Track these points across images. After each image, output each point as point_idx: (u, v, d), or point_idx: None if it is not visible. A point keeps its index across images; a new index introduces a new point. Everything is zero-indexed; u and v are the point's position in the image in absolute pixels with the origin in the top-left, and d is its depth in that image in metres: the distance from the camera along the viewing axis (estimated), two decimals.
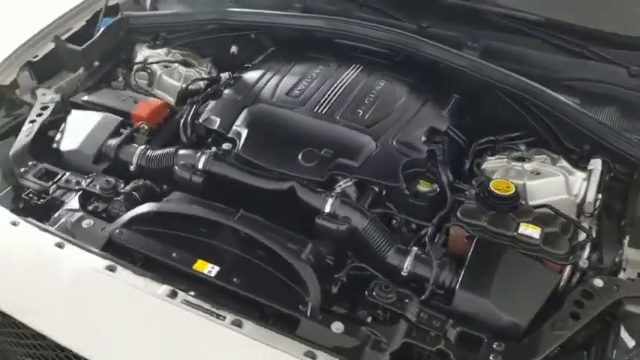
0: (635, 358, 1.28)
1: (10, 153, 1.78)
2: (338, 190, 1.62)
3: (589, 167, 1.69)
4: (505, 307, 1.39)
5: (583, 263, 1.50)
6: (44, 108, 1.93)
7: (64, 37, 2.13)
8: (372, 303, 1.40)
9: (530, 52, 2.00)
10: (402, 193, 1.66)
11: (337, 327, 1.33)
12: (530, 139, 1.83)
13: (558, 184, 1.68)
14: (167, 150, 1.76)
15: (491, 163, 1.78)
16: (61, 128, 1.89)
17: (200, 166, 1.69)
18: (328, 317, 1.36)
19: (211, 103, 1.90)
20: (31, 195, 1.69)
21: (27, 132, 1.84)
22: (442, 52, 1.91)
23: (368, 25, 2.02)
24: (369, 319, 1.38)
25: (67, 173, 1.73)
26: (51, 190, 1.69)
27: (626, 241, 1.51)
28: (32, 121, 1.88)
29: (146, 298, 1.33)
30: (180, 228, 1.56)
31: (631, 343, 1.31)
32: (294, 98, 1.87)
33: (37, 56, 2.06)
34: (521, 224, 1.52)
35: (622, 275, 1.45)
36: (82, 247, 1.46)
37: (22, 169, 1.74)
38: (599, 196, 1.65)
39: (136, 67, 2.11)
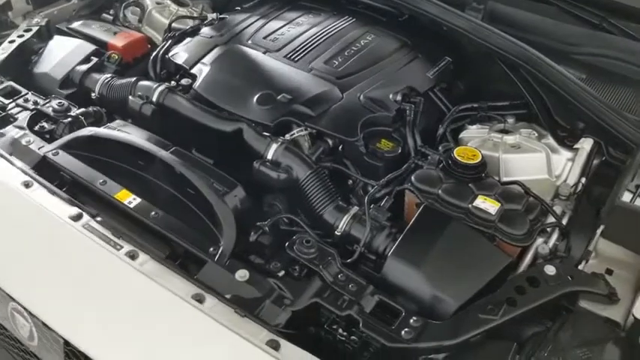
0: None
1: None
2: (288, 137, 1.50)
3: (576, 146, 1.49)
4: (439, 282, 1.24)
5: (542, 249, 1.31)
6: (27, 30, 1.91)
7: None
8: (291, 257, 1.28)
9: (541, 19, 1.79)
10: (358, 150, 1.51)
11: (241, 275, 1.22)
12: (518, 111, 1.62)
13: (538, 162, 1.49)
14: (127, 80, 1.69)
15: (470, 132, 1.60)
16: (40, 52, 1.87)
17: (154, 98, 1.61)
18: (237, 264, 1.25)
19: (186, 40, 1.81)
20: None
21: (2, 50, 1.82)
22: (438, 9, 1.72)
23: None
24: (282, 273, 1.26)
25: (29, 93, 1.70)
26: (8, 107, 1.66)
27: (599, 230, 1.31)
28: (11, 42, 1.86)
29: (49, 217, 1.27)
30: (117, 157, 1.49)
31: (571, 343, 1.12)
32: (272, 42, 1.76)
33: None
34: (479, 197, 1.35)
35: (583, 266, 1.25)
36: (8, 161, 1.41)
37: None
38: (583, 179, 1.45)
39: (127, 1, 2.05)
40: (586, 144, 1.48)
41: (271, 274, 1.26)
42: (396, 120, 1.56)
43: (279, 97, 1.55)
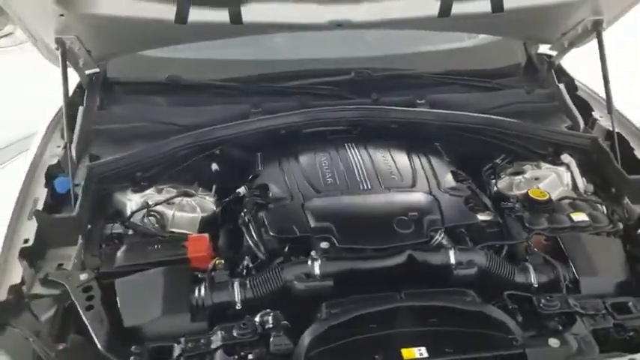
0: None
1: None
2: (439, 242, 1.80)
3: (564, 161, 2.21)
4: (615, 274, 1.76)
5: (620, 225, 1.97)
6: (87, 290, 1.62)
7: None
8: (547, 314, 1.62)
9: (457, 95, 2.48)
10: (479, 226, 1.91)
11: (553, 342, 1.52)
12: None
13: (555, 181, 2.15)
14: (269, 273, 1.68)
15: (500, 183, 2.16)
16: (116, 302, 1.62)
17: (317, 271, 1.67)
18: (538, 340, 1.53)
19: (266, 216, 1.86)
20: None
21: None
22: (406, 113, 2.26)
23: (338, 108, 2.24)
24: (560, 327, 1.60)
25: (182, 339, 1.51)
26: None
27: (626, 201, 2.04)
28: (89, 308, 1.57)
29: None
30: (350, 334, 1.53)
31: None
32: (336, 185, 1.97)
33: (27, 240, 1.71)
34: (572, 214, 1.94)
35: None
36: None
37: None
38: (583, 179, 2.17)
39: (143, 212, 1.90)
40: (567, 158, 2.21)
41: (559, 331, 1.57)
42: (471, 196, 2.02)
43: (409, 217, 1.82)
